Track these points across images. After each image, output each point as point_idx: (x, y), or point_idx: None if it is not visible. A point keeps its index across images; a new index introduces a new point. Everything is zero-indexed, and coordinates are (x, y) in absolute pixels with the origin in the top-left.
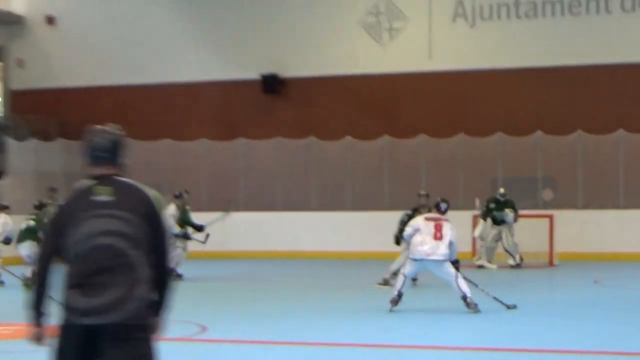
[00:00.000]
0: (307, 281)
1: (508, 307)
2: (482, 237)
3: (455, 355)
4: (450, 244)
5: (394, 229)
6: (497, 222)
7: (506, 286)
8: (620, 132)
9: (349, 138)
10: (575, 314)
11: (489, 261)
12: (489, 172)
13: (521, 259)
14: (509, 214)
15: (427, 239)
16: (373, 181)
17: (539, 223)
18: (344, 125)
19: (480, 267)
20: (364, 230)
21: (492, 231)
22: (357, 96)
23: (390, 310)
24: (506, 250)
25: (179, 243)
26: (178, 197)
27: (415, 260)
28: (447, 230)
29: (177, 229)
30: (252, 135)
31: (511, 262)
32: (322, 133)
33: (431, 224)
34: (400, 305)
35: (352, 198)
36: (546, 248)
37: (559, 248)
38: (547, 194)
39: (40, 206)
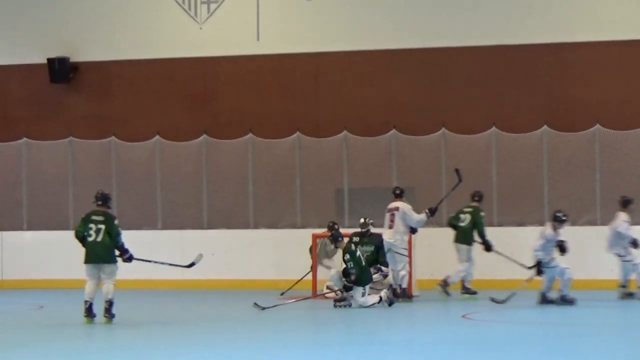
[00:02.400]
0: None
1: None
2: None
3: None
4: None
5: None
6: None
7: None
8: (493, 131)
9: (158, 138)
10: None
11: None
12: (332, 180)
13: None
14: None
15: None
16: (189, 190)
17: None
18: (153, 122)
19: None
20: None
21: None
22: (169, 86)
23: None
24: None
25: None
26: None
27: None
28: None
29: None
30: (37, 135)
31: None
32: (125, 132)
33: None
34: None
35: (162, 213)
36: None
37: (420, 275)
38: None
39: None
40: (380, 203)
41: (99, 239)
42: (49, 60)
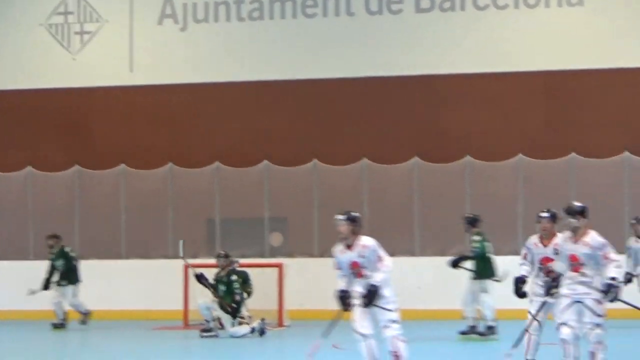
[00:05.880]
0: None
1: None
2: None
3: None
4: None
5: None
6: None
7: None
8: (364, 162)
9: (30, 169)
10: None
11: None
12: (204, 211)
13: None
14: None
15: None
16: (63, 223)
17: (266, 274)
18: (24, 154)
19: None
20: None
21: None
22: (38, 116)
23: None
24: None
25: None
26: None
27: None
28: None
29: None
30: None
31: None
32: None
33: None
34: None
35: (34, 244)
36: (275, 305)
37: (290, 305)
38: (276, 239)
39: None
40: (252, 233)
41: None
42: None
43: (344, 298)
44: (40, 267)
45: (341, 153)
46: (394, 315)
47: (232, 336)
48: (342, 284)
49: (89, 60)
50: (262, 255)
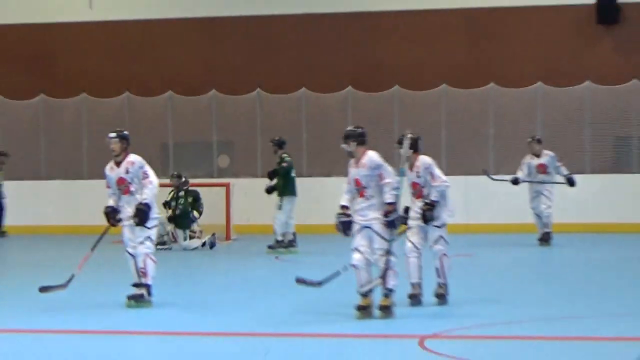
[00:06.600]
0: None
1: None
2: None
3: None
4: None
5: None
6: None
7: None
8: (302, 91)
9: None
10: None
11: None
12: (158, 136)
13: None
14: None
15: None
16: (28, 147)
17: (215, 193)
18: None
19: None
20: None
21: None
22: (6, 49)
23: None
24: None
25: None
26: None
27: None
28: None
29: None
30: None
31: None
32: None
33: None
34: None
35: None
36: (223, 221)
37: (237, 220)
38: (223, 161)
39: None
40: (202, 156)
41: None
42: None
43: (110, 214)
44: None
45: (282, 83)
46: None
47: (185, 249)
48: (110, 201)
49: None
50: (211, 176)
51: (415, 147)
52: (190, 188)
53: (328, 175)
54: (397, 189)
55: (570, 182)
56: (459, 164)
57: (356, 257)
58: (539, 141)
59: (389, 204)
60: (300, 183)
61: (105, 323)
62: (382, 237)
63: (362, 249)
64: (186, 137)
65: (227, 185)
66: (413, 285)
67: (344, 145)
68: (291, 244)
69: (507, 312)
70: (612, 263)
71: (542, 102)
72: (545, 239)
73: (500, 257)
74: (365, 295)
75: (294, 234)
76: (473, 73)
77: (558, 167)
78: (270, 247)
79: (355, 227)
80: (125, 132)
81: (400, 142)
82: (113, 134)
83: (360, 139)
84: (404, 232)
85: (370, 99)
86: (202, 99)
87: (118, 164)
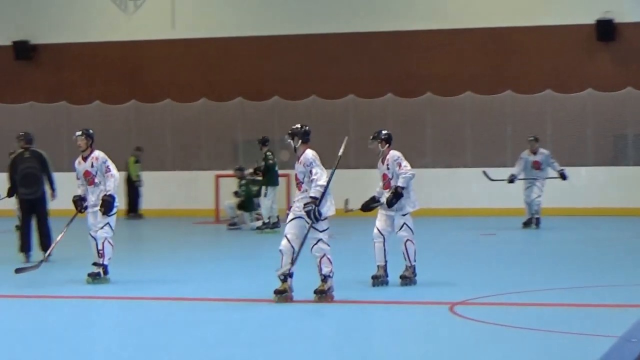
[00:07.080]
0: None
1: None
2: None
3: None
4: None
5: None
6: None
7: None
8: (350, 97)
9: (97, 102)
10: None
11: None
12: (230, 135)
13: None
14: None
15: None
16: (120, 144)
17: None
18: (94, 90)
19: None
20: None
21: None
22: (104, 63)
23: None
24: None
25: None
26: None
27: None
28: None
29: None
30: (4, 100)
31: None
32: (72, 98)
33: None
34: None
35: None
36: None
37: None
38: (284, 155)
39: None
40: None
41: None
42: (14, 42)
43: (78, 202)
44: None
45: (333, 91)
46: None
47: (252, 229)
48: (79, 191)
49: (140, 20)
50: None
51: (389, 142)
52: (257, 178)
53: (372, 167)
54: (323, 186)
55: (563, 176)
56: (481, 158)
57: (283, 243)
58: (536, 140)
59: (311, 197)
60: (351, 174)
61: (80, 293)
62: (314, 228)
63: (289, 236)
64: (253, 136)
65: (287, 176)
66: (378, 267)
67: (289, 141)
68: (275, 225)
69: (527, 282)
70: (615, 241)
71: (551, 106)
72: (530, 223)
73: (519, 236)
74: (283, 279)
75: (278, 217)
76: (493, 82)
77: (552, 164)
78: (258, 228)
79: (290, 217)
80: (91, 131)
81: (374, 138)
82: (79, 132)
83: (305, 137)
84: (348, 211)
85: (406, 104)
86: (267, 104)
87: (85, 158)
